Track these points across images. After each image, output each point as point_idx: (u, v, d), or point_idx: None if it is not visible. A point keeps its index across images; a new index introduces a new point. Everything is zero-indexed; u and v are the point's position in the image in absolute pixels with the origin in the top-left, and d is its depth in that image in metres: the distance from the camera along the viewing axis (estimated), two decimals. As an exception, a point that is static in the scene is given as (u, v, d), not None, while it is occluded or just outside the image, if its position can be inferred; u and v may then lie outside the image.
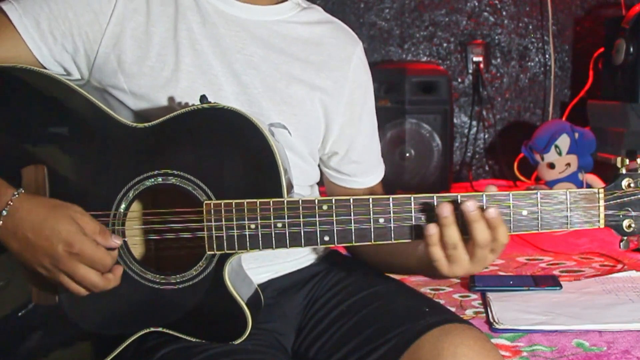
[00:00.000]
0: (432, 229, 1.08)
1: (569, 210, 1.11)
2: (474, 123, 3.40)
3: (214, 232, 1.12)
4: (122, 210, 1.15)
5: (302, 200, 1.12)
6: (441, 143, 2.93)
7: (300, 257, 1.35)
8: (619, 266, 2.02)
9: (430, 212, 1.11)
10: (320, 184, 1.43)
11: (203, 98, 1.14)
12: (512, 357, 1.42)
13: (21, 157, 1.16)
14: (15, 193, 1.10)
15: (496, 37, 3.39)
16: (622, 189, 1.11)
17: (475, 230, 1.07)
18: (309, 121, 1.31)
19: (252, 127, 1.11)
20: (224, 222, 1.12)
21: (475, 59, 3.35)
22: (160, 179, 1.14)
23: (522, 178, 3.19)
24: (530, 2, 3.37)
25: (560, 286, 1.80)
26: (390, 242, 1.12)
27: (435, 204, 1.11)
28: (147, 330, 1.17)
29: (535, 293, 1.77)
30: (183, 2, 1.25)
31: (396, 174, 2.90)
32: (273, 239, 1.12)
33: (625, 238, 1.13)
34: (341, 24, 1.41)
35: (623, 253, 2.04)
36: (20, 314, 1.20)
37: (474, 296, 1.79)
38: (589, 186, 2.73)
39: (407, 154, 2.91)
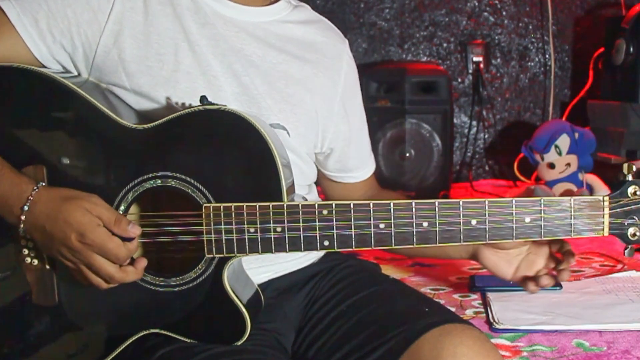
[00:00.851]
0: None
1: (572, 217, 1.11)
2: (474, 123, 3.40)
3: (213, 235, 1.12)
4: (121, 212, 1.15)
5: (302, 205, 1.12)
6: (441, 143, 2.93)
7: (301, 257, 1.36)
8: (619, 266, 2.02)
9: (431, 218, 1.11)
10: (317, 183, 1.44)
11: (203, 99, 1.14)
12: (512, 357, 1.42)
13: (20, 158, 1.16)
14: (36, 187, 1.11)
15: (496, 37, 3.39)
16: (628, 197, 1.11)
17: None
18: (307, 120, 1.32)
19: (252, 129, 1.11)
20: (223, 226, 1.12)
21: (475, 59, 3.35)
22: (159, 181, 1.14)
23: (522, 178, 3.19)
24: (530, 2, 3.36)
25: (560, 286, 1.79)
26: (390, 247, 1.13)
27: (437, 207, 1.11)
28: (147, 332, 1.18)
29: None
30: (181, 3, 1.25)
31: (396, 174, 2.90)
32: (272, 243, 1.12)
33: (630, 246, 1.12)
34: (328, 21, 1.43)
35: (623, 253, 2.04)
36: (20, 313, 1.20)
37: (474, 296, 1.79)
38: (589, 186, 2.73)
39: (407, 154, 2.91)
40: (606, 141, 2.91)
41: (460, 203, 1.10)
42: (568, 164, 2.76)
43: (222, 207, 1.12)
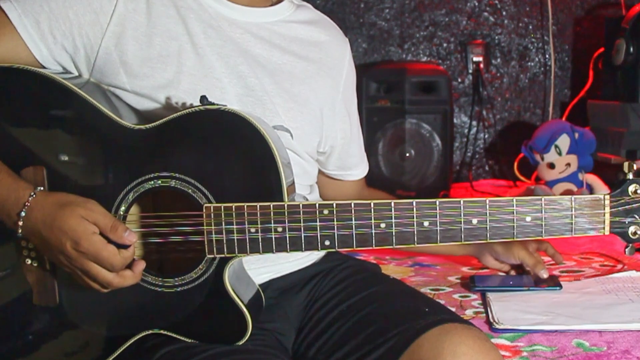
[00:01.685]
0: None
1: (573, 216, 1.11)
2: (474, 123, 3.40)
3: (214, 235, 1.12)
4: (121, 213, 1.15)
5: (302, 205, 1.12)
6: (441, 143, 2.93)
7: (301, 258, 1.36)
8: (619, 266, 2.02)
9: (432, 217, 1.11)
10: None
11: (203, 99, 1.14)
12: (512, 357, 1.42)
13: (21, 159, 1.16)
14: (33, 193, 1.11)
15: (496, 37, 3.39)
16: (629, 195, 1.11)
17: None
18: (312, 119, 1.32)
19: (252, 128, 1.11)
20: (224, 226, 1.12)
21: (475, 59, 3.34)
22: (160, 182, 1.14)
23: (522, 178, 3.19)
24: (530, 2, 3.36)
25: (560, 286, 1.79)
26: (391, 247, 1.13)
27: (437, 205, 1.11)
28: (148, 332, 1.18)
29: (535, 293, 1.77)
30: (184, 5, 1.25)
31: (396, 174, 2.90)
32: (273, 243, 1.12)
33: (630, 244, 1.12)
34: (329, 19, 1.44)
35: (623, 253, 2.04)
36: (20, 314, 1.20)
37: (474, 296, 1.79)
38: (589, 186, 2.73)
39: (407, 154, 2.91)
40: (606, 141, 2.91)
41: (461, 202, 1.10)
42: (568, 164, 2.76)
43: (222, 207, 1.12)
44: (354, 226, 1.12)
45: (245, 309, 1.15)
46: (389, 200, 1.12)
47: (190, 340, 1.17)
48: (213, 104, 1.13)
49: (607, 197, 1.11)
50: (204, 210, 1.12)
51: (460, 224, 1.11)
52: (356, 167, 1.48)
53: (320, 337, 1.25)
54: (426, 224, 1.11)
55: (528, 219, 1.11)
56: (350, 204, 1.12)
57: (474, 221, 1.11)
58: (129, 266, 1.11)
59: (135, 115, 1.22)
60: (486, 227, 1.11)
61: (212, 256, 1.14)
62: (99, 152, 1.17)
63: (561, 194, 2.72)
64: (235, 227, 1.12)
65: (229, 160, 1.13)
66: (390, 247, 1.13)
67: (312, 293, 1.33)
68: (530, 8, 3.37)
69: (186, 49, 1.23)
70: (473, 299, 1.77)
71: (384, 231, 1.12)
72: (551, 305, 1.67)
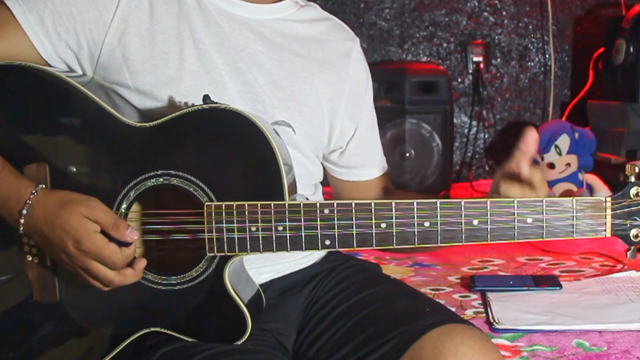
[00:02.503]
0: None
1: (575, 218, 1.10)
2: (474, 123, 3.40)
3: (214, 233, 1.12)
4: (123, 210, 1.15)
5: (303, 204, 1.12)
6: (441, 143, 2.93)
7: (302, 257, 1.36)
8: (619, 266, 2.02)
9: (432, 217, 1.11)
10: (324, 183, 1.44)
11: (206, 98, 1.14)
12: (512, 357, 1.42)
13: (23, 155, 1.16)
14: (34, 191, 1.11)
15: (496, 37, 3.39)
16: (630, 198, 1.10)
17: None
18: (314, 118, 1.31)
19: (254, 127, 1.11)
20: (224, 224, 1.12)
21: (475, 59, 3.35)
22: (161, 180, 1.14)
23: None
24: (530, 2, 3.37)
25: (560, 286, 1.80)
26: (392, 247, 1.13)
27: (438, 206, 1.10)
28: (147, 330, 1.18)
29: (535, 293, 1.77)
30: (187, 1, 1.25)
31: (396, 174, 2.89)
32: (274, 242, 1.12)
33: (632, 247, 1.12)
34: (338, 21, 1.43)
35: (623, 253, 2.04)
36: (21, 310, 1.20)
37: (474, 296, 1.79)
38: (589, 186, 2.73)
39: (407, 154, 2.91)
40: (606, 141, 2.91)
41: (462, 203, 1.10)
42: (568, 164, 2.77)
43: (223, 205, 1.12)
44: (354, 226, 1.11)
45: (245, 309, 1.15)
46: (390, 201, 1.12)
47: (189, 339, 1.17)
48: (215, 103, 1.13)
49: (609, 199, 1.10)
50: (205, 209, 1.12)
51: (461, 224, 1.11)
52: (364, 167, 1.44)
53: (321, 338, 1.25)
54: (427, 224, 1.11)
55: (529, 220, 1.10)
56: (351, 203, 1.11)
57: (475, 222, 1.11)
58: (130, 264, 1.11)
59: (138, 113, 1.22)
60: (487, 228, 1.11)
61: (213, 254, 1.13)
62: (101, 150, 1.17)
63: (561, 194, 2.73)
64: (236, 225, 1.12)
65: (231, 159, 1.13)
66: (391, 247, 1.13)
67: (313, 293, 1.33)
68: (530, 8, 3.38)
69: (188, 45, 1.23)
70: (473, 299, 1.77)
71: (384, 231, 1.11)
72: (551, 305, 1.67)
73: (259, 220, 1.11)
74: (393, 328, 1.17)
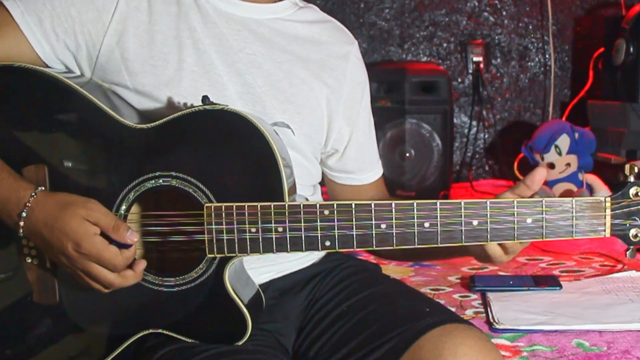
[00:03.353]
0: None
1: (574, 218, 1.10)
2: (474, 123, 3.40)
3: (214, 235, 1.12)
4: (122, 212, 1.15)
5: (303, 205, 1.12)
6: (441, 143, 2.93)
7: (302, 258, 1.36)
8: (619, 266, 2.02)
9: (432, 218, 1.11)
10: (323, 184, 1.44)
11: (205, 99, 1.14)
12: (512, 357, 1.42)
13: (22, 157, 1.16)
14: (33, 193, 1.11)
15: (496, 37, 3.39)
16: (630, 198, 1.10)
17: None
18: (312, 120, 1.31)
19: (254, 129, 1.11)
20: (224, 226, 1.12)
21: (475, 59, 3.34)
22: (161, 181, 1.14)
23: (522, 178, 3.18)
24: (530, 2, 3.36)
25: (560, 286, 1.80)
26: (392, 247, 1.13)
27: (438, 207, 1.10)
28: (147, 332, 1.18)
29: (535, 293, 1.77)
30: (185, 2, 1.25)
31: (396, 174, 2.89)
32: (274, 243, 1.12)
33: (631, 247, 1.12)
34: (337, 23, 1.42)
35: (623, 253, 2.04)
36: (20, 312, 1.20)
37: (474, 296, 1.79)
38: (589, 186, 2.73)
39: (407, 154, 2.91)
40: (606, 141, 2.91)
41: (462, 203, 1.10)
42: (568, 164, 2.76)
43: (223, 206, 1.12)
44: (354, 227, 1.11)
45: (245, 309, 1.15)
46: (390, 201, 1.12)
47: (190, 340, 1.17)
48: (214, 103, 1.13)
49: (608, 199, 1.10)
50: (205, 210, 1.12)
51: (461, 225, 1.11)
52: (360, 172, 1.43)
53: (321, 338, 1.25)
54: (427, 225, 1.11)
55: (529, 220, 1.11)
56: (351, 204, 1.11)
57: (475, 222, 1.11)
58: (130, 266, 1.11)
59: (137, 114, 1.22)
60: (487, 229, 1.11)
61: (213, 256, 1.14)
62: (100, 151, 1.17)
63: (561, 194, 2.72)
64: (236, 226, 1.12)
65: (230, 160, 1.13)
66: (391, 247, 1.13)
67: (313, 293, 1.33)
68: (530, 8, 3.37)
69: (187, 45, 1.23)
70: (473, 299, 1.77)
71: (384, 232, 1.12)
72: (551, 305, 1.67)
73: (259, 222, 1.11)
74: (393, 328, 1.17)
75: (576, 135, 2.76)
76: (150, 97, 1.21)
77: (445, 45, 3.40)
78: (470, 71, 3.37)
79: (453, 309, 1.43)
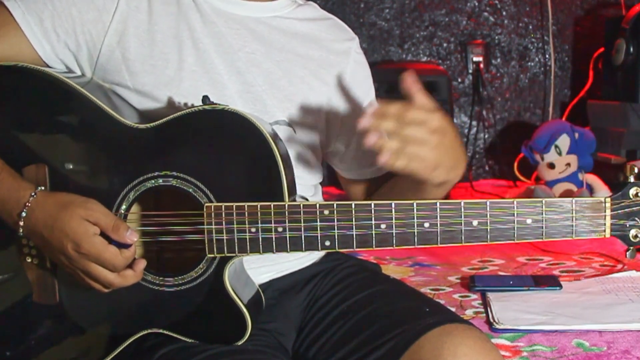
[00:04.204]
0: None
1: (574, 219, 1.10)
2: (474, 123, 3.40)
3: (214, 235, 1.12)
4: (122, 211, 1.15)
5: (303, 205, 1.12)
6: (441, 143, 2.93)
7: (302, 257, 1.36)
8: (619, 266, 2.02)
9: (432, 218, 1.11)
10: (323, 184, 1.43)
11: (205, 99, 1.14)
12: (512, 357, 1.42)
13: (23, 157, 1.16)
14: (33, 194, 1.11)
15: (496, 37, 3.40)
16: (630, 198, 1.10)
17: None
18: (313, 118, 1.31)
19: (254, 128, 1.11)
20: (224, 225, 1.12)
21: (475, 59, 3.35)
22: (161, 181, 1.14)
23: (522, 178, 3.19)
24: (530, 2, 3.37)
25: (560, 286, 1.80)
26: (392, 248, 1.12)
27: (438, 207, 1.10)
28: (147, 332, 1.18)
29: (535, 293, 1.78)
30: (184, 1, 1.25)
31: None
32: (274, 243, 1.12)
33: (631, 248, 1.12)
34: (337, 20, 1.42)
35: (623, 253, 2.04)
36: (20, 311, 1.20)
37: (474, 296, 1.79)
38: (589, 186, 2.73)
39: (408, 154, 2.91)
40: (606, 141, 2.91)
41: (462, 204, 1.10)
42: (568, 164, 2.77)
43: (223, 206, 1.12)
44: (354, 227, 1.11)
45: (245, 309, 1.15)
46: (390, 201, 1.12)
47: (189, 340, 1.17)
48: (215, 103, 1.13)
49: (608, 199, 1.10)
50: (205, 210, 1.12)
51: (461, 225, 1.11)
52: (370, 166, 1.39)
53: (321, 338, 1.25)
54: (427, 225, 1.11)
55: (529, 221, 1.11)
56: (351, 204, 1.11)
57: (475, 223, 1.11)
58: (130, 265, 1.11)
59: (137, 114, 1.22)
60: (487, 229, 1.11)
61: (213, 255, 1.13)
62: (100, 151, 1.17)
63: (561, 194, 2.73)
64: (235, 226, 1.12)
65: (230, 160, 1.13)
66: (391, 247, 1.13)
67: (313, 293, 1.33)
68: (530, 8, 3.38)
69: (187, 45, 1.23)
70: (473, 299, 1.77)
71: (384, 232, 1.11)
72: (551, 305, 1.67)
73: (259, 221, 1.11)
74: (393, 328, 1.17)
75: (576, 135, 2.76)
76: (151, 97, 1.22)
77: (445, 45, 3.40)
78: (470, 71, 3.37)
79: (453, 309, 1.43)
